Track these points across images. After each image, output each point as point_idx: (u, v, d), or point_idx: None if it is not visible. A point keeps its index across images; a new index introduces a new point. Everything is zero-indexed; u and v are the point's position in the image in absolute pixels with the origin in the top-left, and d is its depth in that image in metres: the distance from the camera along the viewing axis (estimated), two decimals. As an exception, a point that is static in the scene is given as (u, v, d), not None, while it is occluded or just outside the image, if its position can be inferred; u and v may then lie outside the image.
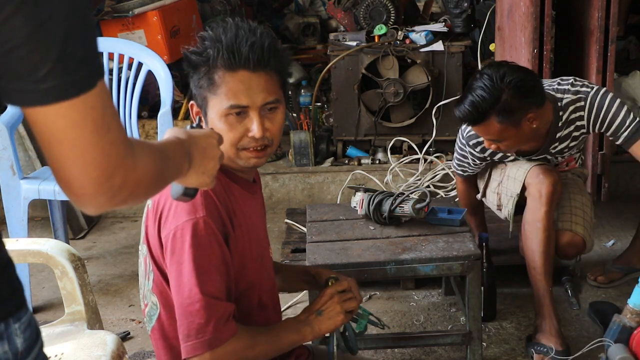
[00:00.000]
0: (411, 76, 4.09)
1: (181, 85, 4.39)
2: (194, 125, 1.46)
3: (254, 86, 1.63)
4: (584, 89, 2.70)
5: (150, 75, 3.32)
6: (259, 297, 1.76)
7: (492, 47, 3.98)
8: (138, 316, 3.10)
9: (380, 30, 4.12)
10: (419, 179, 4.09)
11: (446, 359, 2.76)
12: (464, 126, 2.82)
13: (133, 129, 3.34)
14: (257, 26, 1.66)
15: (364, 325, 1.94)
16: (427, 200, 2.62)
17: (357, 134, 4.22)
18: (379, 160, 4.21)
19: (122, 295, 3.32)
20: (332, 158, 4.24)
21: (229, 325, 1.59)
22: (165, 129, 3.13)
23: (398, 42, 4.09)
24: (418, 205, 2.59)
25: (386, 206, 2.63)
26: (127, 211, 4.11)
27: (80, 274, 2.15)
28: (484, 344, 2.75)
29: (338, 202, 3.95)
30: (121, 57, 3.35)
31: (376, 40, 4.12)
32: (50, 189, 3.06)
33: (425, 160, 4.14)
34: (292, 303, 3.09)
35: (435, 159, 4.14)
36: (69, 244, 2.75)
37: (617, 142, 2.70)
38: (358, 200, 2.73)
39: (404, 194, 2.68)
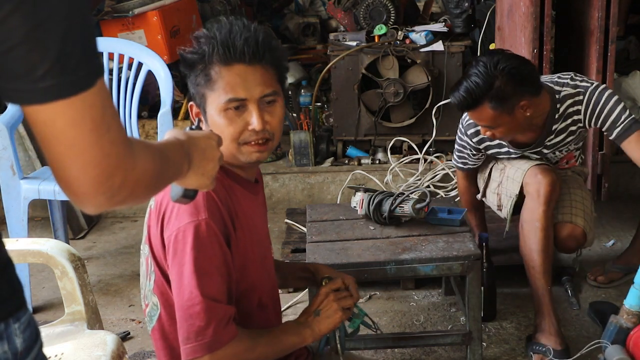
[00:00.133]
0: (411, 76, 4.09)
1: (181, 85, 4.39)
2: (194, 126, 1.46)
3: (251, 79, 1.63)
4: (583, 83, 2.72)
5: (150, 75, 3.32)
6: (260, 298, 1.76)
7: (492, 47, 3.98)
8: (138, 316, 3.10)
9: (380, 30, 4.12)
10: (419, 179, 4.09)
11: (446, 359, 2.76)
12: (464, 114, 2.84)
13: (133, 129, 3.34)
14: (251, 23, 1.67)
15: (357, 325, 1.94)
16: (427, 200, 2.62)
17: (357, 134, 4.22)
18: (379, 160, 4.21)
19: (122, 295, 3.32)
20: (332, 158, 4.24)
21: (229, 328, 1.59)
22: (165, 129, 3.14)
23: (398, 42, 4.09)
24: (418, 205, 2.59)
25: (386, 206, 2.63)
26: (127, 211, 4.12)
27: (80, 274, 2.15)
28: (484, 344, 2.75)
29: (338, 202, 3.95)
30: (121, 57, 3.34)
31: (376, 40, 4.12)
32: (50, 189, 3.06)
33: (425, 160, 4.14)
34: (292, 303, 3.09)
35: (435, 159, 4.14)
36: (69, 244, 2.75)
37: (610, 137, 2.71)
38: (358, 200, 2.73)
39: (404, 194, 2.68)
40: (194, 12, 4.51)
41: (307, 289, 2.70)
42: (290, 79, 4.64)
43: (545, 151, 2.84)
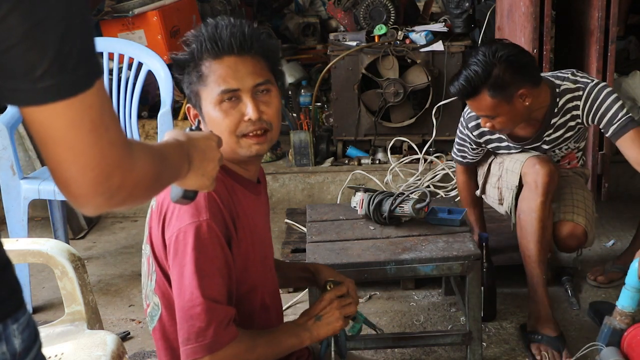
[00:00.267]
0: (411, 76, 4.09)
1: (181, 85, 4.39)
2: (193, 128, 1.46)
3: (242, 69, 1.63)
4: (583, 79, 2.73)
5: (150, 75, 3.32)
6: (262, 299, 1.76)
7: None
8: (138, 316, 3.10)
9: (380, 30, 4.12)
10: (419, 179, 4.09)
11: (446, 359, 2.76)
12: (465, 109, 2.87)
13: (133, 129, 3.34)
14: (239, 19, 1.68)
15: (358, 330, 1.94)
16: (427, 200, 2.62)
17: (357, 134, 4.22)
18: (379, 160, 4.21)
19: (122, 295, 3.32)
20: (332, 158, 4.24)
21: (229, 329, 1.59)
22: (165, 129, 3.14)
23: (398, 42, 4.09)
24: (418, 205, 2.59)
25: (386, 206, 2.63)
26: (128, 211, 4.12)
27: (80, 274, 2.15)
28: (484, 344, 2.75)
29: (338, 202, 3.96)
30: (121, 57, 3.34)
31: (376, 40, 4.12)
32: (50, 189, 3.06)
33: (425, 160, 4.14)
34: (292, 303, 3.09)
35: (435, 159, 4.14)
36: (69, 244, 2.75)
37: (607, 135, 2.72)
38: (358, 200, 2.73)
39: (404, 194, 2.68)
40: (194, 12, 4.51)
41: (307, 289, 2.70)
42: (290, 79, 4.64)
43: (545, 147, 2.85)
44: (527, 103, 2.63)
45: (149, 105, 4.34)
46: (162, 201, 1.64)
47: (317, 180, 4.16)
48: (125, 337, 2.94)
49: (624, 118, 2.65)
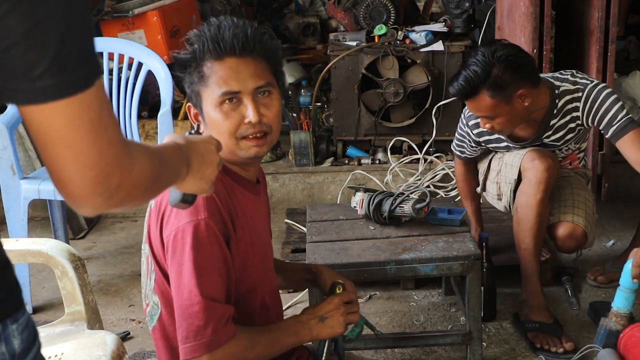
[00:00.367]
0: (411, 76, 4.09)
1: (181, 85, 4.38)
2: (193, 131, 1.46)
3: (243, 71, 1.63)
4: (583, 80, 2.73)
5: (150, 75, 3.32)
6: (262, 299, 1.76)
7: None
8: (138, 316, 3.10)
9: (380, 30, 4.12)
10: (419, 179, 4.09)
11: (446, 359, 2.76)
12: (466, 107, 2.86)
13: (133, 129, 3.34)
14: (242, 19, 1.68)
15: (357, 333, 1.94)
16: (427, 200, 2.62)
17: (357, 134, 4.22)
18: (379, 160, 4.21)
19: (122, 295, 3.32)
20: (332, 158, 4.24)
21: (227, 328, 1.59)
22: (165, 129, 3.14)
23: (398, 42, 4.09)
24: (418, 205, 2.59)
25: (386, 206, 2.63)
26: (127, 211, 4.11)
27: (80, 274, 2.15)
28: (484, 344, 2.75)
29: (338, 202, 3.96)
30: (121, 57, 3.34)
31: (376, 40, 4.12)
32: (50, 189, 3.06)
33: (425, 160, 4.14)
34: (292, 303, 3.09)
35: (435, 159, 4.14)
36: (69, 244, 2.75)
37: (606, 136, 2.72)
38: (358, 200, 2.73)
39: (404, 194, 2.68)
40: (194, 12, 4.51)
41: (307, 289, 2.70)
42: (290, 79, 4.64)
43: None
44: (526, 103, 2.63)
45: (149, 105, 4.34)
46: (161, 201, 1.64)
47: (317, 180, 4.16)
48: (125, 337, 2.94)
49: (624, 119, 2.65)
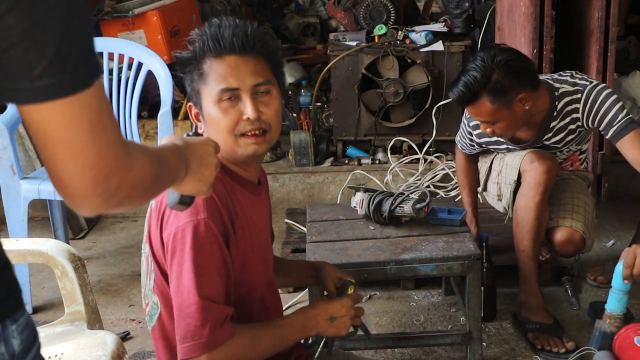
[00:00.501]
0: (411, 76, 4.09)
1: (181, 85, 4.38)
2: (191, 133, 1.46)
3: (243, 69, 1.64)
4: (582, 82, 2.72)
5: (150, 75, 3.32)
6: (261, 299, 1.75)
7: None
8: (138, 316, 3.10)
9: (380, 30, 4.12)
10: (419, 179, 4.09)
11: (446, 359, 2.76)
12: None
13: (133, 129, 3.34)
14: (243, 19, 1.69)
15: (353, 334, 1.94)
16: (427, 200, 2.62)
17: (357, 134, 4.22)
18: (379, 160, 4.21)
19: (122, 295, 3.32)
20: (332, 158, 4.24)
21: (225, 328, 1.58)
22: (166, 129, 3.14)
23: (398, 42, 4.09)
24: (418, 205, 2.59)
25: (386, 206, 2.63)
26: (127, 211, 4.10)
27: (80, 274, 2.15)
28: (484, 344, 2.75)
29: (338, 202, 3.96)
30: (121, 57, 3.34)
31: (376, 40, 4.12)
32: (50, 189, 3.06)
33: (425, 160, 4.14)
34: (292, 303, 3.09)
35: (435, 159, 4.14)
36: (69, 244, 2.75)
37: (607, 137, 2.71)
38: (358, 200, 2.73)
39: (404, 194, 2.67)
40: (194, 12, 4.51)
41: (307, 289, 2.70)
42: (290, 79, 4.64)
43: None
44: (526, 107, 2.63)
45: (149, 105, 4.34)
46: (162, 201, 1.64)
47: (317, 180, 4.16)
48: (125, 337, 2.94)
49: (623, 120, 2.64)
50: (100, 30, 4.18)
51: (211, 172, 1.26)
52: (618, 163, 3.50)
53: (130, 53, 3.34)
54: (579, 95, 2.70)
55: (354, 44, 4.13)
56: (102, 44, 3.41)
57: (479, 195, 3.30)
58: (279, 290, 1.93)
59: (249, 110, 1.63)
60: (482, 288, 2.67)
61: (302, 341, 1.88)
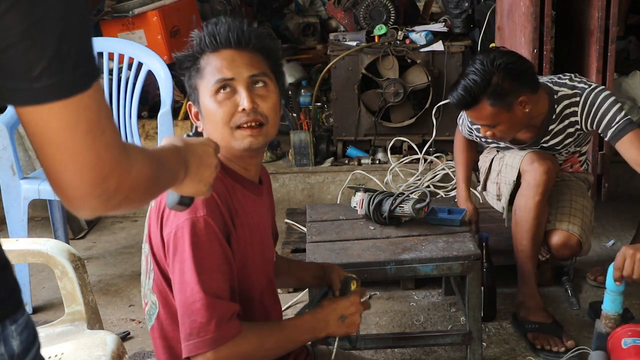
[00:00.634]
0: (411, 76, 4.09)
1: (181, 85, 4.37)
2: (191, 134, 1.46)
3: (238, 61, 1.65)
4: (581, 85, 2.72)
5: (150, 75, 3.32)
6: (261, 299, 1.75)
7: (492, 47, 3.98)
8: (138, 316, 3.10)
9: (380, 30, 4.12)
10: (419, 179, 4.09)
11: (446, 359, 2.76)
12: None
13: (133, 129, 3.34)
14: (242, 19, 1.70)
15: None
16: (427, 200, 2.62)
17: (357, 134, 4.22)
18: (379, 160, 4.21)
19: (122, 295, 3.32)
20: (332, 158, 4.24)
21: (231, 324, 1.58)
22: (165, 129, 3.14)
23: (398, 42, 4.09)
24: (418, 205, 2.59)
25: (386, 206, 2.63)
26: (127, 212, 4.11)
27: (80, 274, 2.15)
28: (484, 344, 2.75)
29: (338, 202, 3.95)
30: (121, 57, 3.34)
31: (376, 40, 4.12)
32: (50, 189, 3.04)
33: (425, 160, 4.14)
34: (292, 303, 3.09)
35: (435, 159, 4.14)
36: (69, 244, 2.75)
37: (606, 139, 2.71)
38: (358, 200, 2.73)
39: (404, 194, 2.68)
40: (194, 12, 4.50)
41: (307, 289, 2.70)
42: (290, 79, 4.64)
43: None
44: (527, 110, 2.63)
45: (149, 105, 4.33)
46: (161, 199, 1.63)
47: (317, 180, 4.16)
48: (125, 337, 2.94)
49: (622, 121, 2.63)
50: (100, 30, 4.18)
51: (211, 173, 1.26)
52: (618, 163, 3.50)
53: (130, 53, 3.34)
54: (578, 99, 2.70)
55: (354, 44, 4.13)
56: (102, 44, 3.41)
57: (478, 195, 3.30)
58: (279, 291, 1.92)
59: (244, 101, 1.63)
60: (482, 288, 2.67)
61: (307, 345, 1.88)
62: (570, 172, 3.00)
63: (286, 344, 1.69)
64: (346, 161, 4.23)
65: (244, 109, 1.63)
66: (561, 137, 2.78)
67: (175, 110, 4.25)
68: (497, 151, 2.99)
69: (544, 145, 2.81)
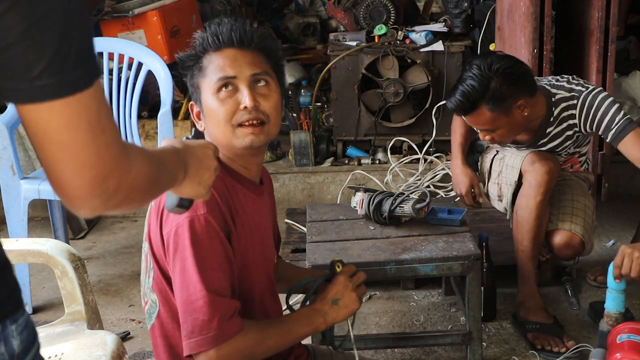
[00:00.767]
0: (411, 76, 4.09)
1: (181, 85, 4.39)
2: (191, 136, 1.46)
3: (241, 59, 1.66)
4: (578, 87, 2.71)
5: (150, 75, 3.32)
6: (261, 299, 1.75)
7: (492, 47, 3.98)
8: (138, 316, 3.10)
9: (380, 30, 4.12)
10: (419, 179, 4.09)
11: (446, 359, 2.76)
12: None
13: (133, 129, 3.34)
14: (243, 19, 1.72)
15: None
16: (427, 200, 2.62)
17: (357, 134, 4.22)
18: (379, 160, 4.21)
19: (122, 295, 3.32)
20: (332, 158, 4.24)
21: (233, 322, 1.58)
22: (165, 129, 3.14)
23: (398, 42, 4.09)
24: (418, 205, 2.59)
25: (386, 206, 2.63)
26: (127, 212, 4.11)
27: (80, 274, 2.15)
28: (484, 344, 2.75)
29: (338, 202, 3.96)
30: (121, 57, 3.34)
31: (376, 40, 4.12)
32: (50, 189, 3.04)
33: (425, 160, 4.14)
34: (292, 303, 3.08)
35: (435, 159, 4.14)
36: (69, 244, 2.75)
37: (607, 140, 2.70)
38: (358, 200, 2.73)
39: (404, 194, 2.67)
40: (194, 12, 4.50)
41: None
42: (290, 79, 4.64)
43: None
44: (525, 113, 2.63)
45: (149, 105, 4.33)
46: (161, 199, 1.64)
47: (317, 180, 4.16)
48: (125, 337, 2.94)
49: (621, 121, 2.63)
50: (100, 30, 4.18)
51: (210, 176, 1.26)
52: (618, 163, 3.51)
53: (130, 53, 3.34)
54: (575, 102, 2.70)
55: (354, 44, 4.13)
56: (102, 44, 3.41)
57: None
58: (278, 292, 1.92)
59: (246, 99, 1.64)
60: (482, 288, 2.67)
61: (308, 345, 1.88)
62: (570, 172, 3.00)
63: (287, 338, 1.70)
64: (346, 161, 4.23)
65: (245, 107, 1.64)
66: (560, 139, 2.78)
67: (175, 110, 4.25)
68: (497, 151, 2.99)
69: (542, 148, 2.81)
